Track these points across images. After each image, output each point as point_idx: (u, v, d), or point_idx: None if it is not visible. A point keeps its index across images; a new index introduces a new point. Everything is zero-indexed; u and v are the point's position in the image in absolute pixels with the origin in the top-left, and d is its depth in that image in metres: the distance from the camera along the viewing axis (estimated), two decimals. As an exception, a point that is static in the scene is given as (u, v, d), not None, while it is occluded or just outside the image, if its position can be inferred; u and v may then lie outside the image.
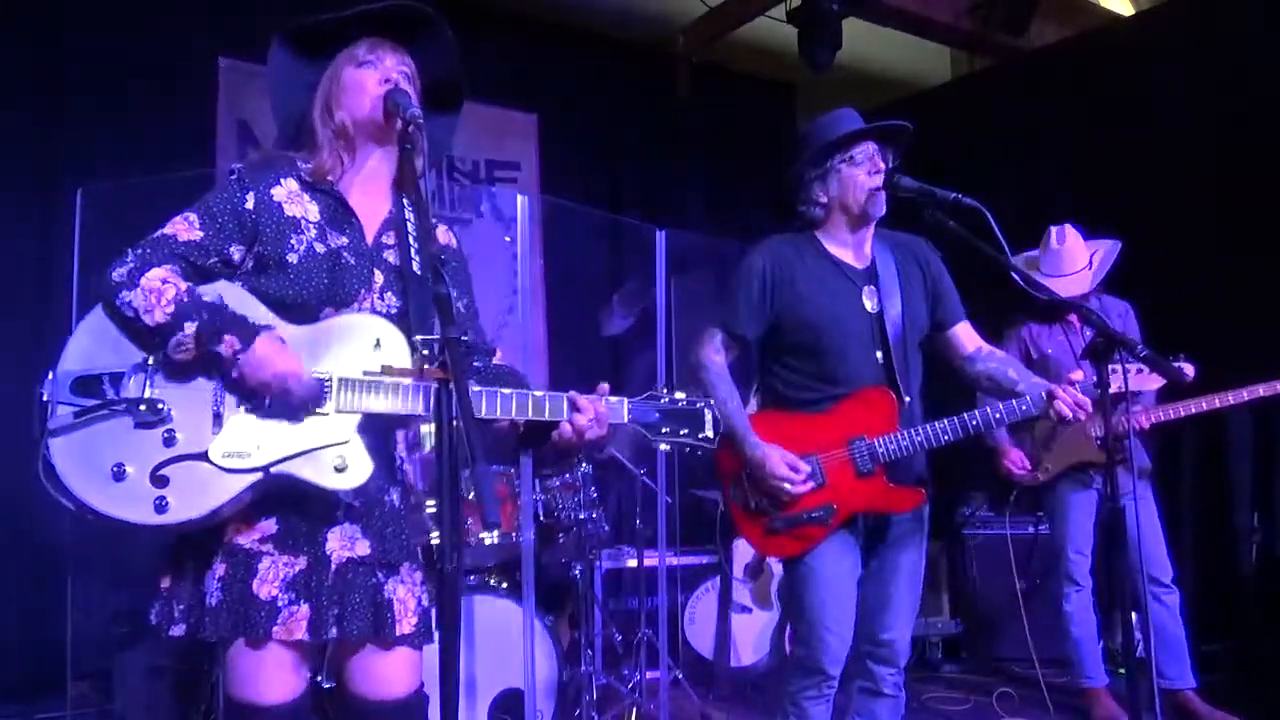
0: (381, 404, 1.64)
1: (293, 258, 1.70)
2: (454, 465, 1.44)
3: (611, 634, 3.99)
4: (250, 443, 1.60)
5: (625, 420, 1.73)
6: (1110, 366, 2.17)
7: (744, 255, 2.54)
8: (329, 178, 1.79)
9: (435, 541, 2.63)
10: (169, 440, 1.59)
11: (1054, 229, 3.61)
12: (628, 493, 4.30)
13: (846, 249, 2.51)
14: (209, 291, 1.66)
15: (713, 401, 1.79)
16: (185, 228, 1.70)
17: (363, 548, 1.71)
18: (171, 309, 1.58)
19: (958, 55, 6.83)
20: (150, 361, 1.62)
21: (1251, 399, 3.25)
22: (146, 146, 4.35)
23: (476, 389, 1.69)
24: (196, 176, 3.98)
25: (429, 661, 1.69)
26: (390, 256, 1.79)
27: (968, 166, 4.25)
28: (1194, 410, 3.31)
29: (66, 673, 3.38)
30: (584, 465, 3.63)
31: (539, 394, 1.71)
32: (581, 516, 3.58)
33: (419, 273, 1.71)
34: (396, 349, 1.66)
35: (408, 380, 1.65)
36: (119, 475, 1.56)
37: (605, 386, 1.74)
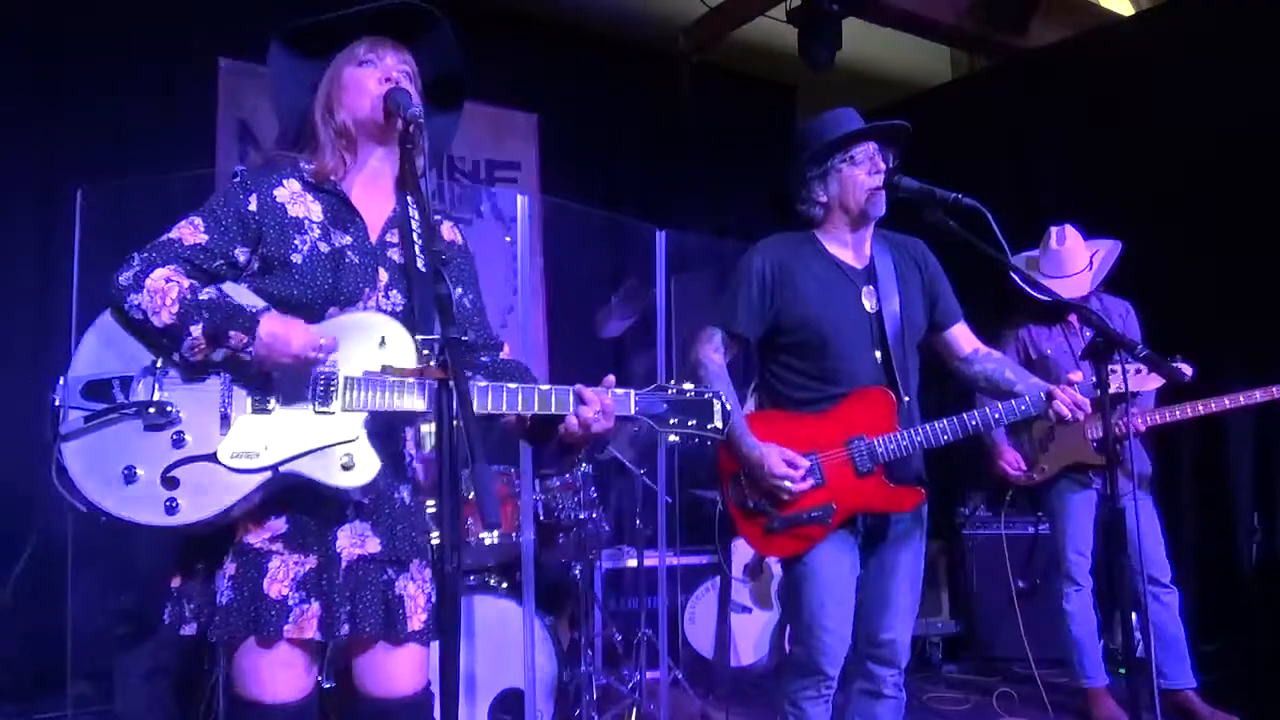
0: (387, 402, 1.64)
1: (297, 258, 1.71)
2: (454, 465, 1.44)
3: (611, 634, 3.98)
4: (258, 442, 1.61)
5: (633, 412, 1.73)
6: (1110, 367, 2.17)
7: (743, 254, 2.54)
8: (331, 177, 1.79)
9: (435, 541, 2.63)
10: (178, 442, 1.60)
11: (1054, 229, 3.61)
12: (628, 493, 4.30)
13: (846, 249, 2.51)
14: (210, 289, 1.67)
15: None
16: (190, 232, 1.71)
17: (373, 545, 1.72)
18: (176, 309, 1.59)
19: (958, 55, 6.83)
20: (159, 364, 1.63)
21: (1249, 404, 3.25)
22: (146, 146, 4.35)
23: (483, 384, 1.70)
24: (196, 176, 3.99)
25: (431, 661, 1.69)
26: (394, 255, 1.79)
27: (968, 166, 4.24)
28: (1191, 414, 3.31)
29: (66, 673, 3.38)
30: (584, 465, 3.63)
31: (545, 388, 1.71)
32: (581, 516, 3.58)
33: (423, 270, 1.71)
34: (401, 347, 1.67)
35: (411, 378, 1.66)
36: (130, 478, 1.58)
37: (611, 379, 1.74)
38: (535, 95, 5.57)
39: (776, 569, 4.11)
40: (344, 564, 1.68)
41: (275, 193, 1.76)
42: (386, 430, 1.72)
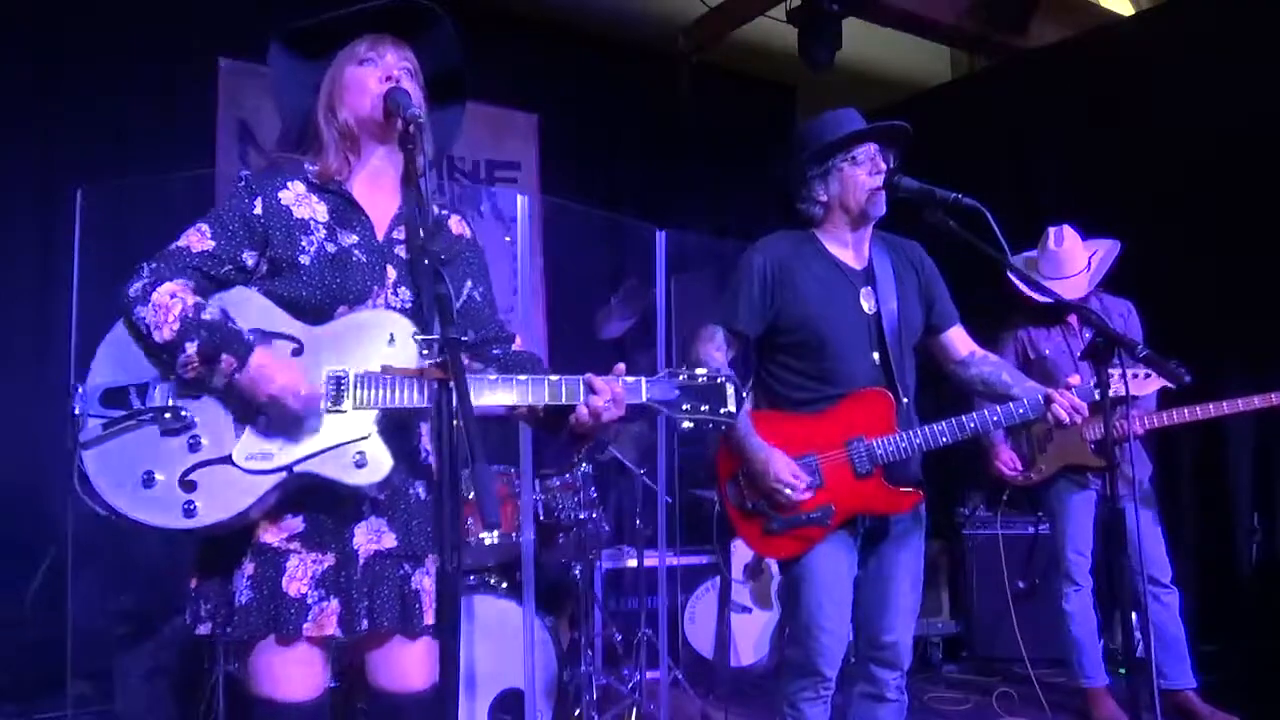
0: (397, 399, 1.65)
1: (304, 259, 1.72)
2: (454, 465, 1.45)
3: (611, 634, 3.98)
4: (272, 444, 1.63)
5: (644, 399, 1.73)
6: (1111, 371, 2.17)
7: (743, 253, 2.54)
8: (336, 177, 1.80)
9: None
10: (194, 446, 1.62)
11: (1052, 230, 3.60)
12: (628, 493, 4.30)
13: (846, 249, 2.51)
14: (226, 299, 1.69)
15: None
16: (198, 238, 1.72)
17: (389, 540, 1.73)
18: (177, 325, 1.60)
19: (958, 55, 6.83)
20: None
21: (1247, 409, 3.25)
22: (146, 146, 4.35)
23: (493, 378, 1.71)
24: (196, 176, 4.00)
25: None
26: (402, 251, 1.79)
27: (968, 166, 4.24)
28: (1189, 418, 3.32)
29: (67, 673, 3.38)
30: (584, 465, 3.63)
31: (555, 378, 1.71)
32: (581, 516, 3.58)
33: (444, 257, 1.72)
34: (410, 344, 1.68)
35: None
36: (149, 482, 1.60)
37: (621, 367, 1.74)
38: (535, 95, 5.57)
39: (776, 569, 4.11)
40: (361, 560, 1.70)
41: (280, 195, 1.76)
42: (400, 427, 1.72)
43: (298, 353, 1.67)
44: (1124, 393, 2.21)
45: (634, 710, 3.67)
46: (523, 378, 1.71)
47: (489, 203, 5.37)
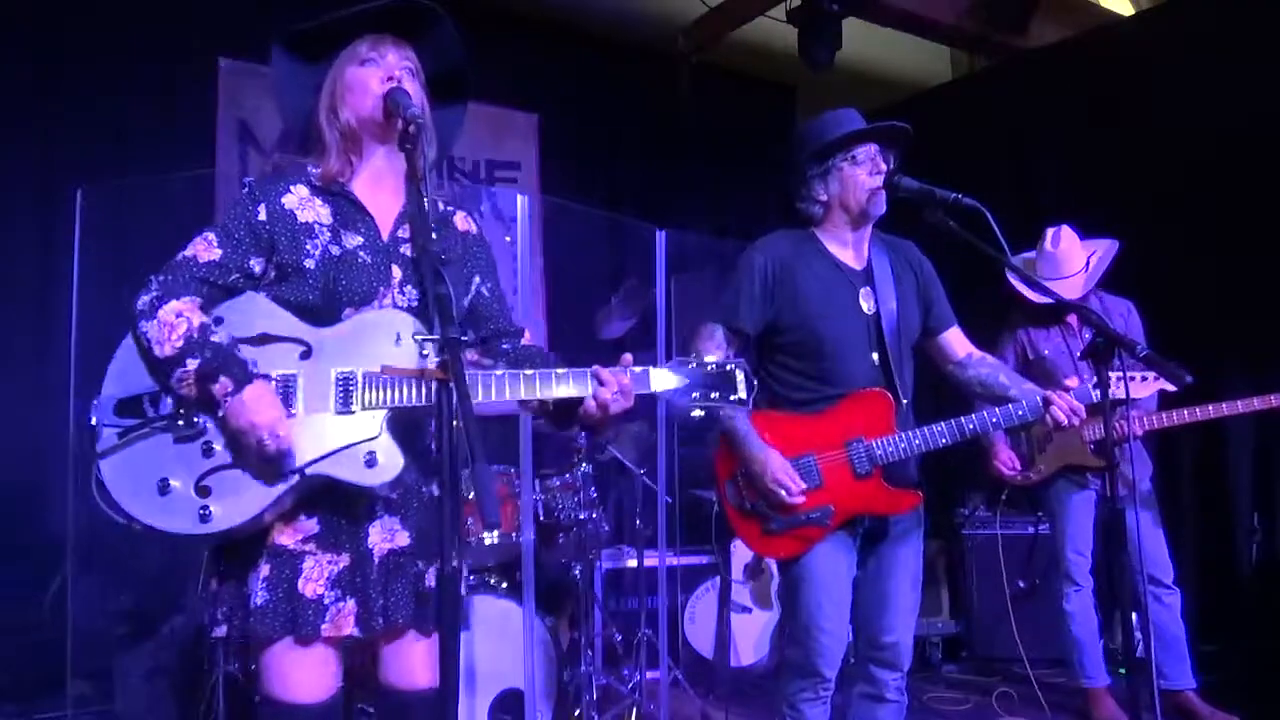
0: (404, 397, 1.65)
1: (309, 263, 1.73)
2: (454, 465, 1.45)
3: (611, 634, 3.98)
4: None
5: (653, 390, 1.73)
6: (1112, 373, 2.17)
7: (743, 251, 2.54)
8: (339, 179, 1.80)
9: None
10: (207, 452, 1.64)
11: (1050, 230, 3.60)
12: (628, 493, 4.30)
13: (846, 248, 2.51)
14: (234, 305, 1.70)
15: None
16: (205, 248, 1.73)
17: (403, 539, 1.75)
18: (180, 344, 1.62)
19: (958, 55, 6.83)
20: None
21: (1247, 410, 3.25)
22: (146, 146, 4.35)
23: (500, 373, 1.71)
24: (196, 176, 4.00)
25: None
26: (407, 250, 1.80)
27: (968, 166, 4.24)
28: (1189, 419, 3.32)
29: (66, 673, 3.38)
30: (584, 465, 3.63)
31: (562, 371, 1.71)
32: (581, 516, 3.58)
33: (445, 257, 1.72)
34: (415, 343, 1.68)
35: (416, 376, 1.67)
36: (164, 489, 1.62)
37: (629, 357, 1.75)
38: (535, 95, 5.57)
39: (776, 569, 4.11)
40: (376, 559, 1.71)
41: (284, 200, 1.77)
42: (411, 426, 1.72)
43: (306, 356, 1.68)
44: (1123, 394, 2.21)
45: (634, 710, 3.67)
46: (530, 372, 1.71)
47: (489, 203, 5.36)
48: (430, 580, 1.75)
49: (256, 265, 1.75)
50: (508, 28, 5.42)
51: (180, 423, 1.63)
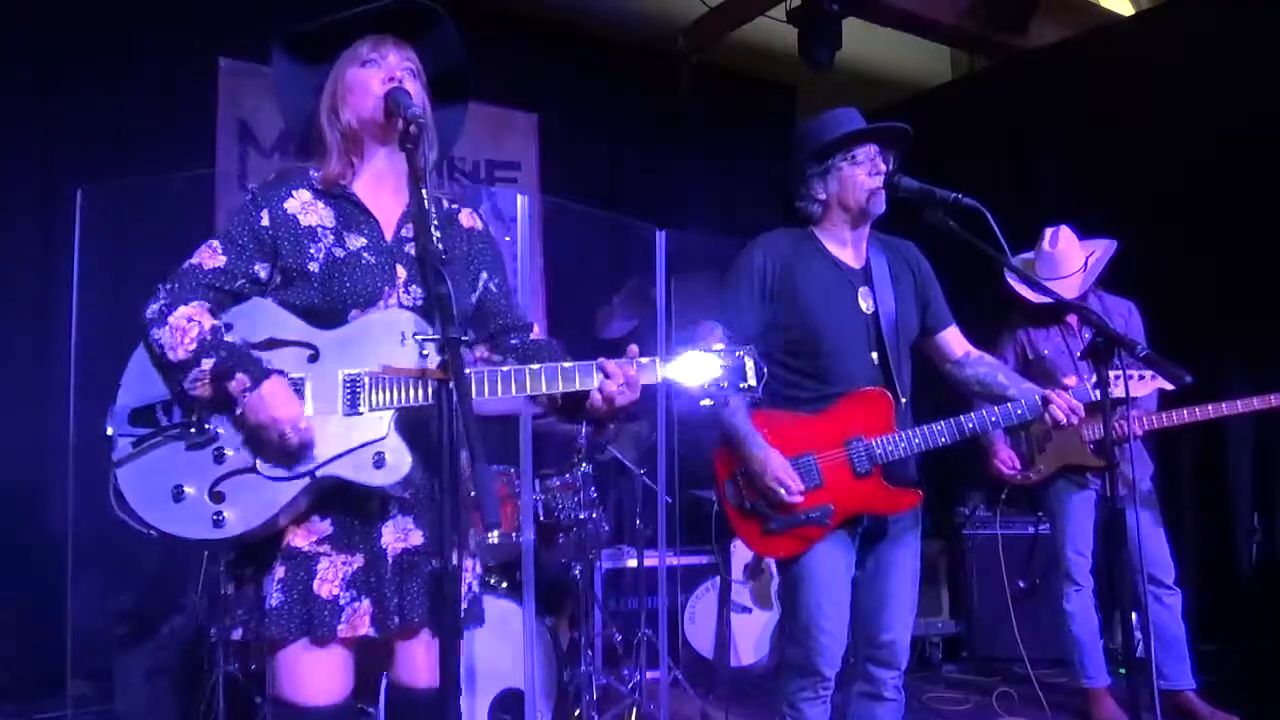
0: (411, 397, 1.66)
1: (313, 266, 1.73)
2: (454, 465, 1.45)
3: (611, 634, 3.98)
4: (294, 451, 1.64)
5: (660, 379, 1.72)
6: (1112, 373, 2.17)
7: (742, 250, 2.54)
8: (340, 181, 1.80)
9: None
10: (219, 458, 1.65)
11: (1048, 231, 3.60)
12: (628, 493, 4.30)
13: (844, 248, 2.51)
14: (242, 310, 1.71)
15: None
16: (210, 255, 1.74)
17: (416, 538, 1.75)
18: (194, 346, 1.63)
19: (958, 55, 6.83)
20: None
21: (1247, 410, 3.25)
22: (146, 146, 4.36)
23: (506, 368, 1.71)
24: (196, 176, 4.00)
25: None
26: (412, 250, 1.80)
27: (968, 166, 4.25)
28: (1189, 419, 3.32)
29: (66, 673, 3.39)
30: (584, 465, 3.63)
31: (568, 365, 1.71)
32: (581, 516, 3.58)
33: (445, 257, 1.72)
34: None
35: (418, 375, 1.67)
36: (178, 496, 1.64)
37: (634, 348, 1.74)
38: (535, 95, 5.56)
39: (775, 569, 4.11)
40: (390, 559, 1.72)
41: (286, 205, 1.77)
42: (419, 425, 1.72)
43: (314, 359, 1.69)
44: (1124, 393, 2.21)
45: (634, 710, 3.67)
46: (535, 366, 1.70)
47: (489, 203, 5.35)
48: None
49: (262, 271, 1.76)
50: (508, 28, 5.43)
51: (192, 430, 1.65)
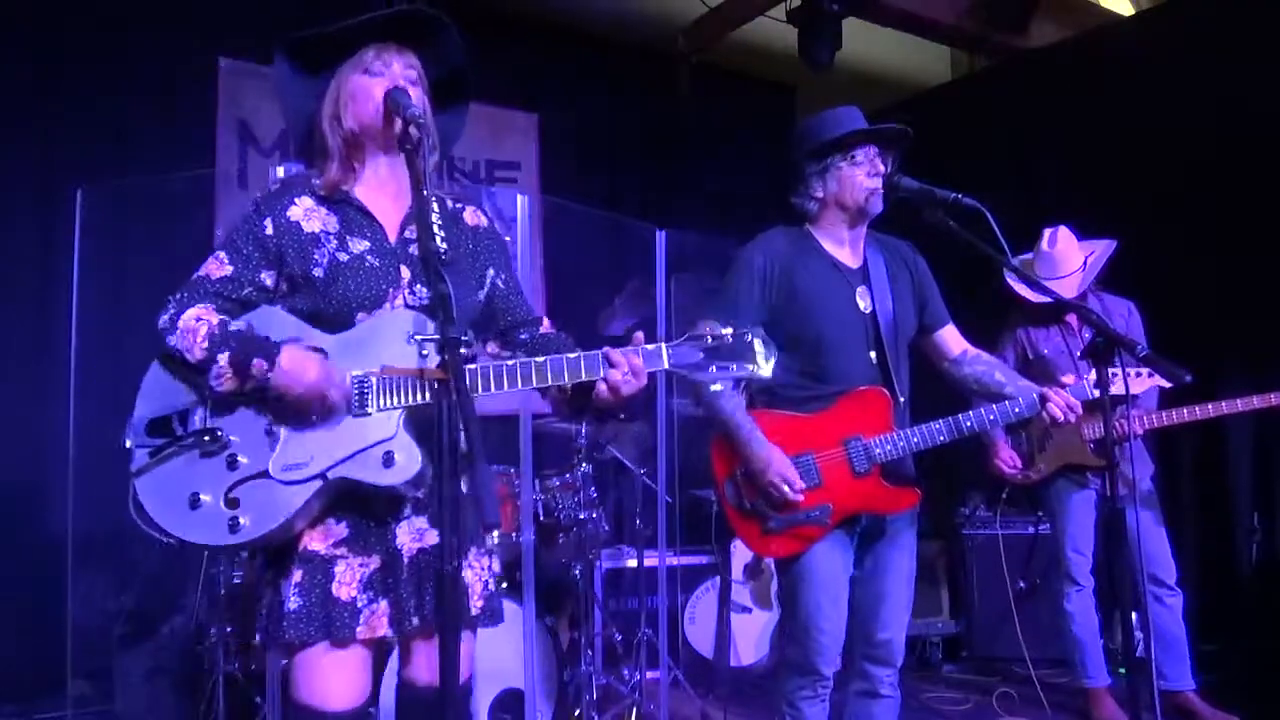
0: (417, 396, 1.67)
1: (318, 272, 1.75)
2: (454, 465, 1.45)
3: (611, 634, 3.98)
4: (304, 453, 1.67)
5: (666, 366, 1.71)
6: (1112, 371, 2.17)
7: (741, 249, 2.54)
8: (343, 187, 1.81)
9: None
10: (232, 464, 1.67)
11: (1047, 231, 3.60)
12: (628, 493, 4.30)
13: (842, 247, 2.51)
14: (253, 318, 1.73)
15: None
16: (216, 266, 1.77)
17: (431, 537, 1.76)
18: (206, 344, 1.66)
19: (958, 55, 6.84)
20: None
21: (1246, 409, 3.25)
22: (146, 146, 4.36)
23: (511, 362, 1.71)
24: (196, 176, 4.00)
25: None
26: (415, 250, 1.80)
27: (968, 166, 4.24)
28: (1189, 418, 3.32)
29: (66, 673, 3.39)
30: (584, 465, 3.63)
31: (573, 356, 1.71)
32: (581, 516, 3.58)
33: (444, 260, 1.72)
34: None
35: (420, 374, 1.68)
36: (195, 504, 1.67)
37: (640, 335, 1.74)
38: (535, 95, 5.57)
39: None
40: (406, 559, 1.73)
41: (289, 213, 1.78)
42: (429, 424, 1.71)
43: None
44: (1125, 390, 2.21)
45: (634, 710, 3.67)
46: (540, 359, 1.71)
47: (489, 203, 5.35)
48: (463, 577, 1.76)
49: (268, 278, 1.78)
50: (508, 28, 5.43)
51: (206, 438, 1.67)
